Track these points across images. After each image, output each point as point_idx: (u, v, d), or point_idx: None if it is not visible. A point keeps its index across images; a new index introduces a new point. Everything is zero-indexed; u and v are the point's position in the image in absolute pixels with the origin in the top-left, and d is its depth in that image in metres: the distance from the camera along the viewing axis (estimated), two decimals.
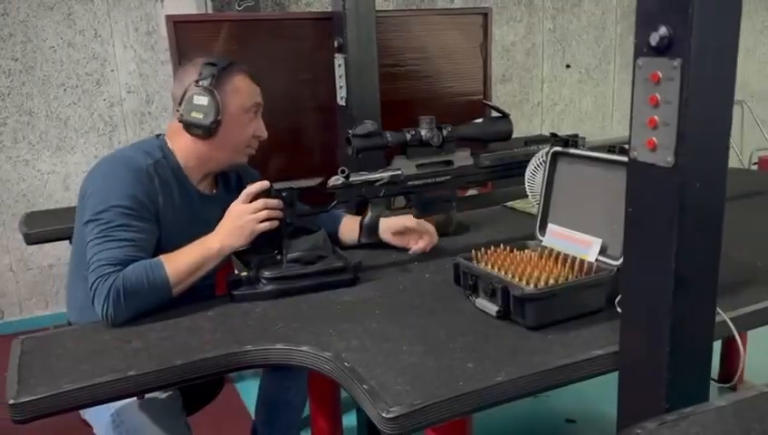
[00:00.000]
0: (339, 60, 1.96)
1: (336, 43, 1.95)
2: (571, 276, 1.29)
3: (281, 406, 2.00)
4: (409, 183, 1.60)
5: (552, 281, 1.26)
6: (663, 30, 0.91)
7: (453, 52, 2.26)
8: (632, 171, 1.00)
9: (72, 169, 3.42)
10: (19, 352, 1.27)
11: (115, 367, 1.19)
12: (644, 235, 1.00)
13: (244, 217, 1.42)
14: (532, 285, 1.25)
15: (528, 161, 1.70)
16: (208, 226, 1.48)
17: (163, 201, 1.48)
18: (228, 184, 1.68)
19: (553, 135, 1.47)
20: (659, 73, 0.93)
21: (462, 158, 1.65)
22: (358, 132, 1.54)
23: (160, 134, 1.59)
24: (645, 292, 1.01)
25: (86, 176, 1.50)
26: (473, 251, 1.41)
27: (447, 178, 1.63)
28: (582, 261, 1.33)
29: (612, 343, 1.18)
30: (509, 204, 2.13)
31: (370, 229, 1.60)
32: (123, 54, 3.41)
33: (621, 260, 1.29)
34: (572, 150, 1.44)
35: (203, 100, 1.47)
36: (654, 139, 0.95)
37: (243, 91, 1.53)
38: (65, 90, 3.34)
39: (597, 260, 1.34)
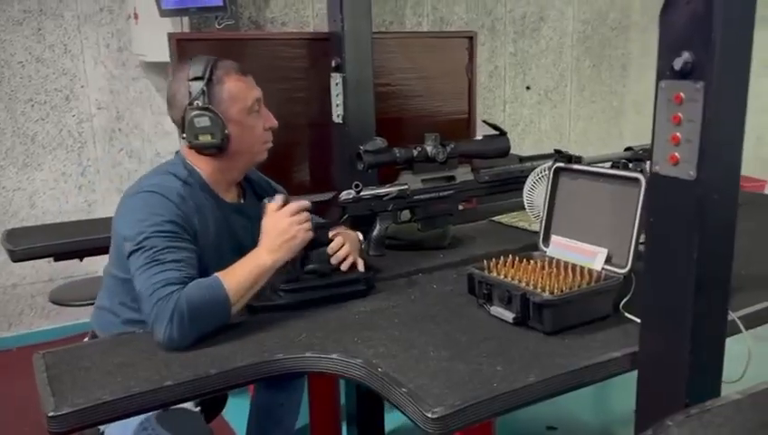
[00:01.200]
0: (336, 79, 2.01)
1: (333, 63, 2.00)
2: (582, 284, 1.37)
3: (273, 423, 2.01)
4: (415, 197, 1.66)
5: (565, 288, 1.34)
6: (687, 55, 1.00)
7: (441, 73, 2.35)
8: (654, 184, 1.09)
9: (38, 187, 3.34)
10: (44, 366, 1.26)
11: (150, 378, 1.20)
12: (666, 242, 1.09)
13: (293, 229, 1.43)
14: (548, 292, 1.32)
15: (524, 177, 1.78)
16: (244, 237, 1.50)
17: (199, 221, 1.47)
18: (253, 189, 1.69)
19: (557, 151, 1.56)
20: (682, 95, 1.02)
21: (463, 173, 1.72)
22: (369, 148, 1.60)
23: (178, 151, 1.58)
24: (666, 295, 1.10)
25: (118, 210, 1.47)
26: (484, 262, 1.48)
27: (450, 192, 1.70)
28: (590, 270, 1.42)
29: (625, 345, 1.26)
30: (495, 218, 2.22)
31: (378, 242, 1.65)
32: (93, 70, 3.38)
33: (628, 268, 1.39)
34: (575, 166, 1.53)
35: (204, 121, 1.44)
36: (677, 154, 1.04)
37: (238, 93, 1.49)
38: (33, 105, 3.28)
39: (603, 269, 1.43)
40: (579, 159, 1.52)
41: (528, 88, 4.42)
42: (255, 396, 2.03)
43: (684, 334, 1.08)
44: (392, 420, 2.42)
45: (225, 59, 1.51)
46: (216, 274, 1.37)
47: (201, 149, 1.48)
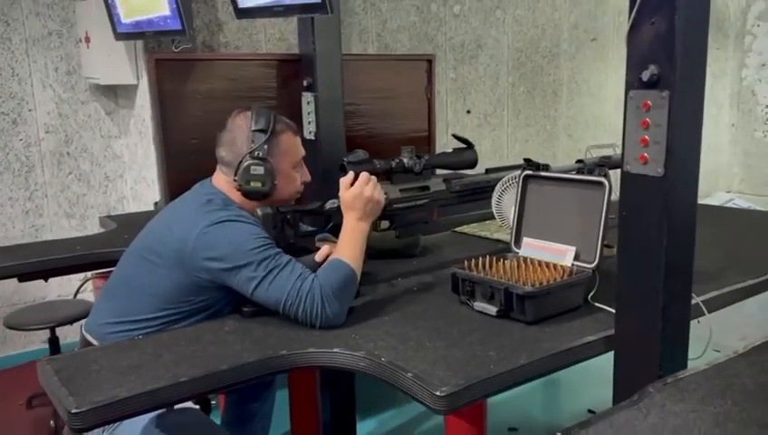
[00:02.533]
0: (308, 98, 2.11)
1: (305, 83, 2.10)
2: (556, 278, 1.51)
3: (248, 430, 2.05)
4: (394, 206, 1.76)
5: (544, 281, 1.47)
6: (653, 68, 1.16)
7: (402, 93, 2.48)
8: (626, 181, 1.24)
9: None
10: (52, 371, 1.28)
11: (162, 376, 1.25)
12: (638, 233, 1.23)
13: (375, 194, 1.60)
14: (528, 286, 1.45)
15: (491, 187, 1.91)
16: None
17: None
18: None
19: (527, 160, 1.70)
20: (650, 102, 1.18)
21: (436, 184, 1.84)
22: (351, 160, 1.69)
23: (210, 183, 1.66)
24: (640, 280, 1.24)
25: (198, 241, 1.49)
26: (465, 262, 1.59)
27: (425, 201, 1.81)
28: (562, 266, 1.55)
29: (598, 330, 1.40)
30: (458, 229, 2.35)
31: None
32: (42, 94, 3.35)
33: (596, 262, 1.54)
34: (543, 173, 1.67)
35: (259, 169, 1.58)
36: (646, 154, 1.19)
37: (291, 150, 1.67)
38: None
39: (573, 264, 1.57)
40: (546, 167, 1.67)
41: (468, 112, 4.62)
42: (225, 409, 2.07)
43: (656, 314, 1.22)
44: (363, 428, 2.49)
45: (280, 116, 1.67)
46: (333, 255, 1.55)
47: (247, 193, 1.61)
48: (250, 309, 1.55)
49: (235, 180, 1.60)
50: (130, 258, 1.61)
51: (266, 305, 1.48)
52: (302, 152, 1.72)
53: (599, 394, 1.28)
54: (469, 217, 2.43)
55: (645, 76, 1.17)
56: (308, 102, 2.11)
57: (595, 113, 5.27)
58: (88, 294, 3.28)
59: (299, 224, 1.63)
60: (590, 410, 2.61)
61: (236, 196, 1.62)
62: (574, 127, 5.15)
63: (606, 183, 1.53)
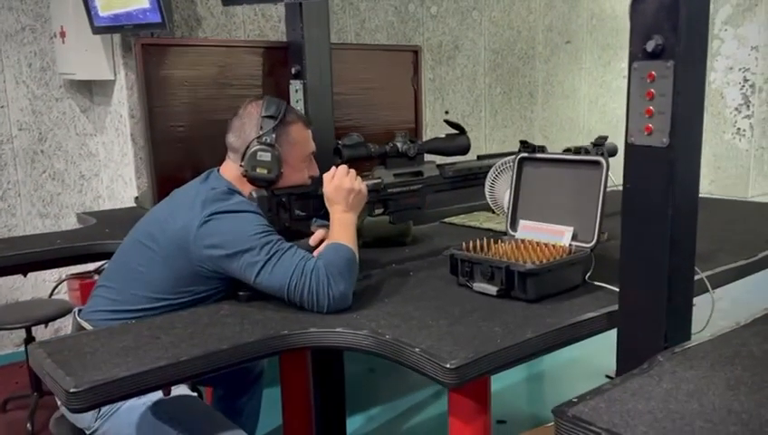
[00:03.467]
0: (296, 85, 2.08)
1: (293, 70, 2.07)
2: (556, 257, 1.50)
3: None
4: (389, 190, 1.74)
5: (545, 260, 1.47)
6: (657, 39, 1.16)
7: (389, 84, 2.47)
8: (630, 154, 1.24)
9: None
10: (45, 354, 1.24)
11: (162, 356, 1.21)
12: (642, 204, 1.23)
13: (356, 185, 1.57)
14: (529, 263, 1.44)
15: (483, 173, 1.91)
16: None
17: None
18: None
19: (523, 142, 1.70)
20: (654, 73, 1.18)
21: (430, 169, 1.83)
22: (346, 143, 1.68)
23: (217, 172, 1.63)
24: (645, 253, 1.23)
25: (204, 226, 1.47)
26: (462, 244, 1.58)
27: (419, 186, 1.80)
28: (561, 245, 1.55)
29: (598, 308, 1.40)
30: (446, 220, 2.34)
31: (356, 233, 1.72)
32: (15, 90, 3.27)
33: (594, 241, 1.54)
34: (539, 155, 1.67)
35: (266, 156, 1.56)
36: (650, 125, 1.19)
37: (301, 141, 1.64)
38: None
39: (571, 244, 1.56)
40: (542, 149, 1.67)
41: (447, 113, 4.64)
42: (213, 405, 2.03)
43: (661, 285, 1.22)
44: (352, 424, 2.47)
45: (292, 107, 1.66)
46: (330, 240, 1.54)
47: (253, 180, 1.58)
48: (246, 293, 1.51)
49: (241, 166, 1.57)
50: (129, 244, 1.57)
51: (270, 291, 1.45)
52: (313, 147, 1.69)
53: (584, 388, 1.27)
54: (455, 209, 2.42)
55: (649, 47, 1.17)
56: (296, 90, 2.08)
57: (570, 115, 5.33)
58: (63, 296, 3.19)
59: (294, 207, 1.61)
60: None
61: (242, 184, 1.59)
62: (550, 128, 5.20)
63: (603, 162, 1.53)
